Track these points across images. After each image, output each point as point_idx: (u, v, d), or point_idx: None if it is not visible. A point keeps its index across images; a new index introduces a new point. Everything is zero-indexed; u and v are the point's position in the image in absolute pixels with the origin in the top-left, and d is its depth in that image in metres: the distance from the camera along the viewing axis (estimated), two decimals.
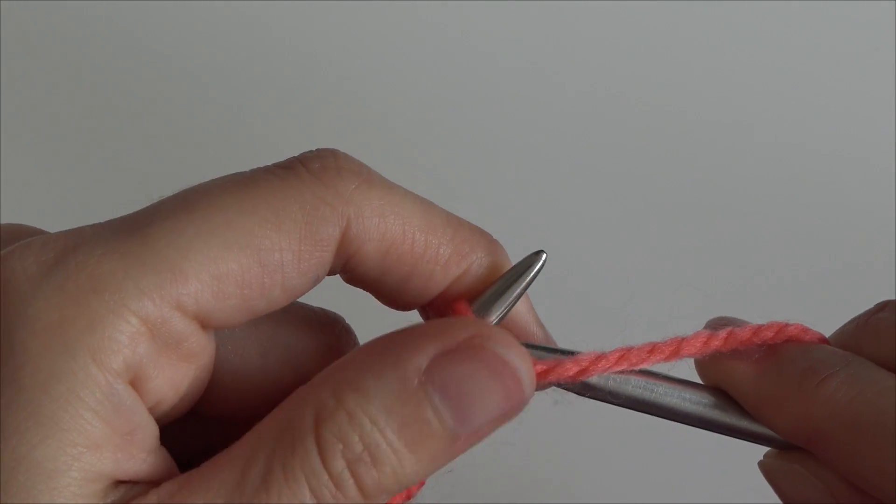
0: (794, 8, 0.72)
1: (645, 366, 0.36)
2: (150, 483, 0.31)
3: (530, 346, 0.36)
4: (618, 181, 0.69)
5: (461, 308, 0.35)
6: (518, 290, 0.35)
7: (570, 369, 0.35)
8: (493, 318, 0.35)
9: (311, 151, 0.34)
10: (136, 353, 0.31)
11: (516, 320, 0.37)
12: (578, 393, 0.37)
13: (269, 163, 0.34)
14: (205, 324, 0.32)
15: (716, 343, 0.38)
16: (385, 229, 0.34)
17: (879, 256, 0.68)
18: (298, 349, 0.36)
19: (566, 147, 0.70)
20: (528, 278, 0.35)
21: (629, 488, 0.62)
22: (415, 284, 0.35)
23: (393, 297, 0.36)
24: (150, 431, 0.32)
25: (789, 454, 0.39)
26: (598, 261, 0.67)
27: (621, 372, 0.36)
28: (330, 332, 0.37)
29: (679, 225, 0.67)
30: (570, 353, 0.36)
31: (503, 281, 0.35)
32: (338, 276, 0.36)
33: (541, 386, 0.35)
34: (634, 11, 0.73)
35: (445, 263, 0.35)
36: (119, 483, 0.31)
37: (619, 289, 0.66)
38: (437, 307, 0.36)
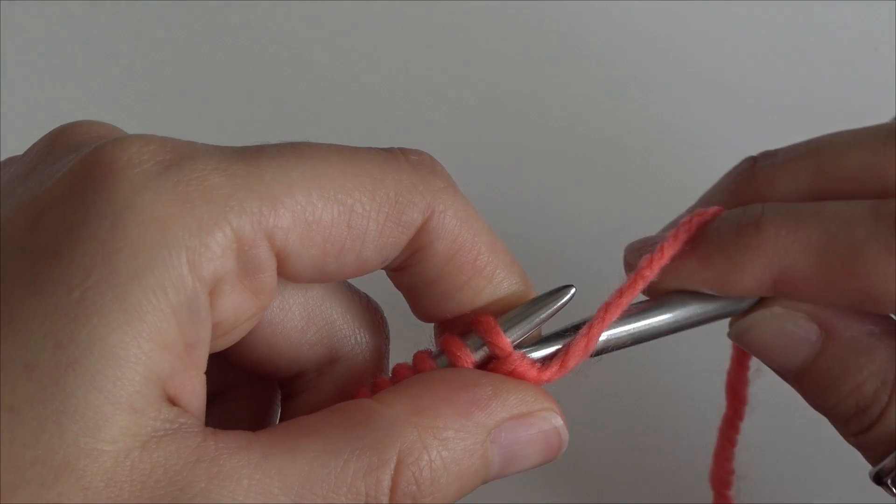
0: (794, 8, 0.72)
1: (625, 308, 0.39)
2: (192, 413, 0.32)
3: (543, 339, 0.38)
4: (617, 181, 0.69)
5: (488, 322, 0.37)
6: (543, 316, 0.37)
7: (579, 352, 0.38)
8: (514, 336, 0.37)
9: (409, 148, 0.36)
10: (223, 267, 0.32)
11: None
12: (600, 353, 0.40)
13: None
14: (280, 265, 0.34)
15: (669, 251, 0.40)
16: (459, 233, 0.36)
17: None
18: (339, 327, 0.38)
19: (563, 145, 0.70)
20: (555, 307, 0.37)
21: (629, 488, 0.62)
22: (463, 296, 0.37)
23: (434, 304, 0.37)
24: (205, 351, 0.33)
25: (758, 306, 0.41)
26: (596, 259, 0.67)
27: (614, 324, 0.39)
28: (370, 319, 0.39)
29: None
30: (569, 333, 0.38)
31: (531, 305, 0.37)
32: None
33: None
34: (634, 12, 0.73)
35: (498, 284, 0.37)
36: (171, 405, 0.32)
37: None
38: (460, 320, 0.38)
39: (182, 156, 0.32)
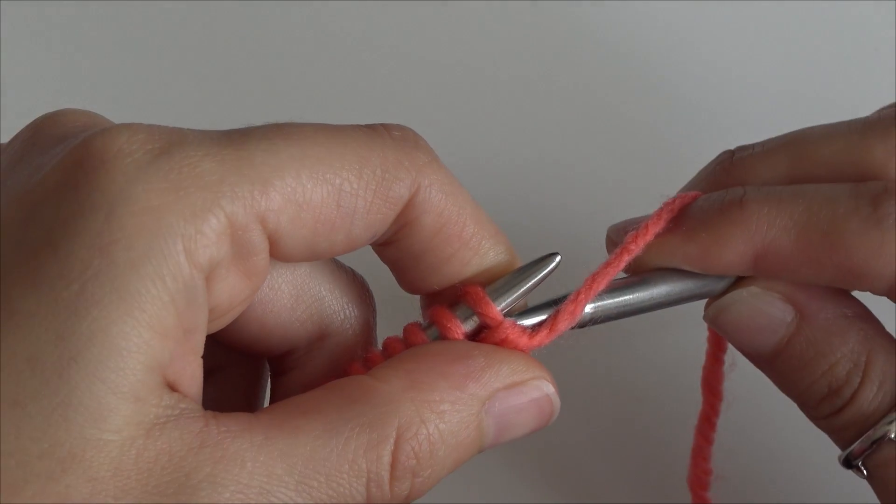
0: (793, 8, 0.72)
1: (611, 278, 0.40)
2: (192, 398, 0.33)
3: (530, 309, 0.39)
4: (617, 181, 0.69)
5: (476, 292, 0.37)
6: (529, 285, 0.38)
7: (567, 317, 0.38)
8: (503, 305, 0.37)
9: (392, 123, 0.36)
10: (219, 253, 0.32)
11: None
12: (587, 325, 0.41)
13: None
14: (273, 247, 0.34)
15: (653, 228, 0.40)
16: (445, 206, 0.36)
17: None
18: (327, 303, 0.38)
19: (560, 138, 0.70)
20: (541, 275, 0.38)
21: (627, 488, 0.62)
22: (450, 268, 0.37)
23: (422, 276, 0.38)
24: (202, 336, 0.33)
25: (735, 287, 0.42)
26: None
27: (599, 297, 0.40)
28: (357, 294, 0.39)
29: None
30: (556, 302, 0.39)
31: (517, 274, 0.38)
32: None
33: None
34: (635, 11, 0.73)
35: (484, 255, 0.37)
36: (171, 391, 0.32)
37: None
38: (448, 291, 0.38)
39: (171, 143, 0.32)
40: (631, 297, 0.41)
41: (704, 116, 0.70)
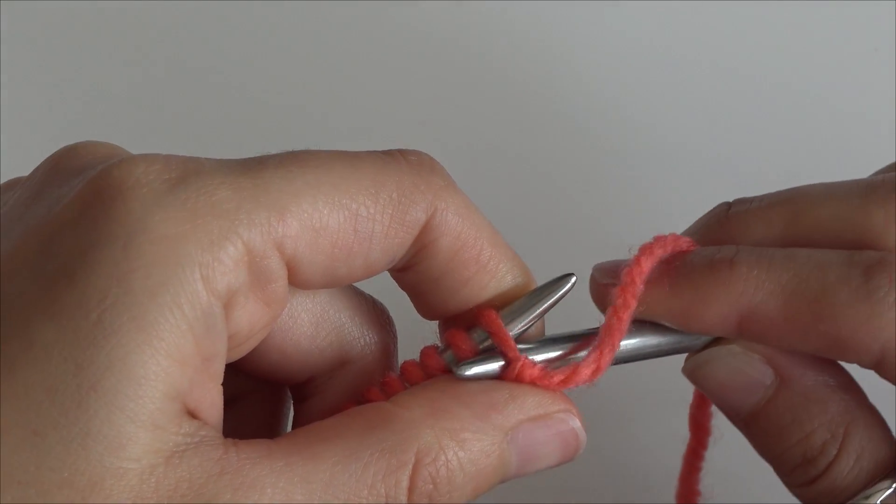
0: (794, 8, 0.72)
1: (627, 325, 0.39)
2: (210, 423, 0.33)
3: (548, 339, 0.39)
4: (616, 182, 0.69)
5: (490, 316, 0.37)
6: (544, 307, 0.38)
7: (585, 374, 0.38)
8: (516, 329, 0.37)
9: (408, 149, 0.37)
10: (237, 280, 0.32)
11: (529, 334, 0.39)
12: None
13: None
14: (291, 273, 0.34)
15: (647, 264, 0.39)
16: (462, 230, 0.36)
17: None
18: (347, 330, 0.38)
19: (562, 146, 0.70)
20: (556, 297, 0.38)
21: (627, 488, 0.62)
22: (467, 292, 0.37)
23: (440, 301, 0.38)
24: (222, 364, 0.33)
25: (716, 344, 0.41)
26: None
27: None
28: (377, 320, 0.39)
29: (679, 224, 0.67)
30: (572, 338, 0.38)
31: (531, 297, 0.38)
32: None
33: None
34: (635, 11, 0.73)
35: (501, 278, 0.37)
36: (192, 418, 0.32)
37: None
38: (464, 315, 0.38)
39: (188, 172, 0.33)
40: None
41: (704, 116, 0.70)
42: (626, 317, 0.38)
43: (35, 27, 0.73)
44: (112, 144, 0.36)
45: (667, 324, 0.40)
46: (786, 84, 0.71)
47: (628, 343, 0.40)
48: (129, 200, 0.32)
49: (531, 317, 0.38)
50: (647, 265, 0.39)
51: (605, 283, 0.40)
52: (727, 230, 0.42)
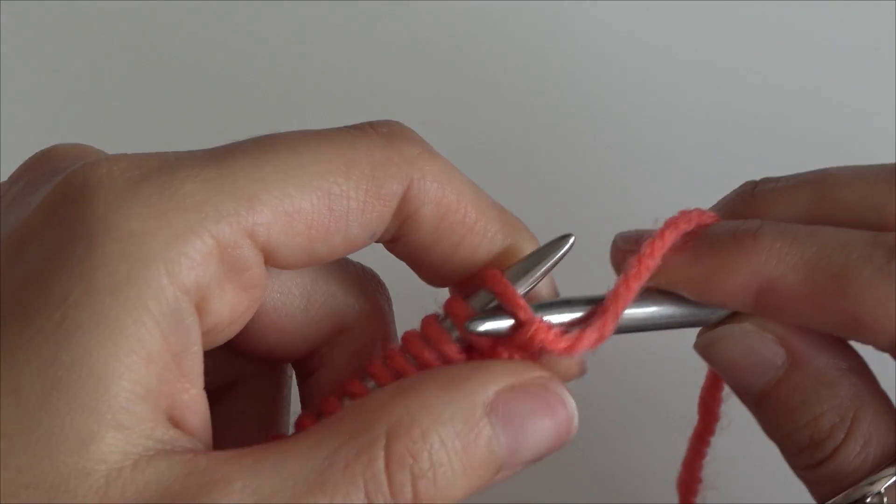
0: (794, 8, 0.72)
1: (635, 293, 0.38)
2: (194, 434, 0.32)
3: (557, 302, 0.38)
4: (617, 183, 0.69)
5: (495, 276, 0.36)
6: (546, 267, 0.37)
7: (590, 338, 0.37)
8: (522, 289, 0.37)
9: (379, 120, 0.36)
10: (207, 273, 0.32)
11: (542, 295, 0.39)
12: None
13: None
14: (269, 258, 0.34)
15: (670, 237, 0.39)
16: (442, 195, 0.36)
17: None
18: (341, 299, 0.38)
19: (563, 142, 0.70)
20: (557, 257, 0.37)
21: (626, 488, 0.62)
22: (461, 256, 0.37)
23: (436, 268, 0.37)
24: (198, 360, 0.33)
25: (731, 321, 0.40)
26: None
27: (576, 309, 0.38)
28: (368, 286, 0.39)
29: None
30: (570, 303, 0.38)
31: (533, 258, 0.37)
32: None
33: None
34: (634, 11, 0.73)
35: (492, 238, 0.37)
36: (170, 427, 0.32)
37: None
38: (470, 283, 0.37)
39: (152, 168, 0.33)
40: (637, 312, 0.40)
41: (703, 116, 0.70)
42: (635, 286, 0.38)
43: (35, 27, 0.73)
44: (85, 146, 0.36)
45: (684, 293, 0.40)
46: (786, 84, 0.71)
47: (642, 311, 0.40)
48: (93, 201, 0.32)
49: (535, 277, 0.37)
50: (670, 239, 0.39)
51: (624, 250, 0.40)
52: (752, 207, 0.42)
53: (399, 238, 0.37)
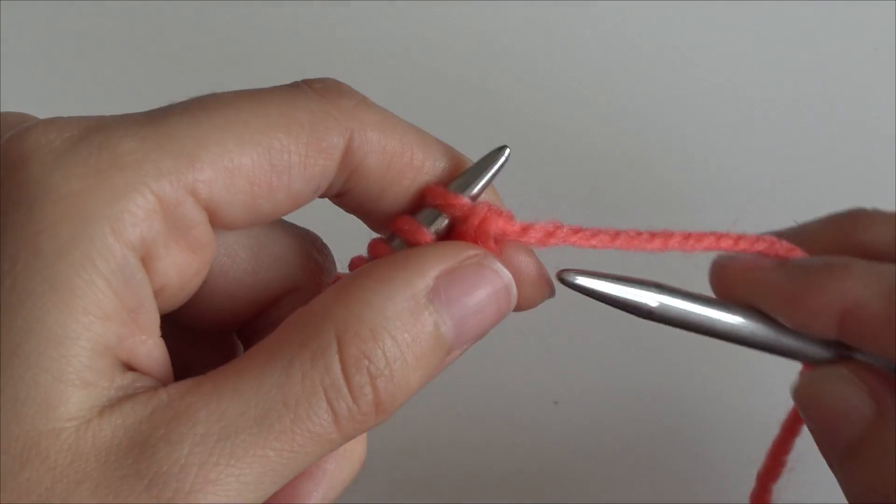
0: (794, 8, 0.72)
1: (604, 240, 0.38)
2: (153, 377, 0.32)
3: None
4: (617, 186, 0.69)
5: (437, 188, 0.36)
6: (488, 177, 0.37)
7: (544, 229, 0.37)
8: (466, 197, 0.37)
9: (314, 78, 0.36)
10: (151, 230, 0.32)
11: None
12: (646, 317, 0.40)
13: None
14: (213, 218, 0.34)
15: (725, 243, 0.40)
16: (385, 143, 0.36)
17: None
18: (286, 259, 0.38)
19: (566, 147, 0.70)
20: (496, 166, 0.37)
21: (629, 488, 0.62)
22: (412, 198, 0.37)
23: (388, 212, 0.37)
24: (153, 314, 0.33)
25: (825, 365, 0.41)
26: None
27: (668, 293, 0.40)
28: (312, 247, 0.39)
29: (678, 223, 0.67)
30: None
31: (471, 171, 0.37)
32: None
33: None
34: (634, 11, 0.73)
35: (440, 175, 0.37)
36: (126, 370, 0.32)
37: None
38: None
39: (89, 129, 0.32)
40: (701, 311, 0.41)
41: (702, 116, 0.70)
42: (618, 235, 0.38)
43: (35, 27, 0.73)
44: (24, 114, 0.36)
45: (771, 308, 0.41)
46: (786, 84, 0.71)
47: (728, 319, 0.41)
48: (30, 164, 0.31)
49: (477, 187, 0.37)
50: (741, 245, 0.41)
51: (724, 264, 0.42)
52: (850, 234, 0.43)
53: (347, 191, 0.37)
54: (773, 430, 0.48)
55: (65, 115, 0.33)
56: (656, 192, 0.68)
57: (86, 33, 0.73)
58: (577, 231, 0.37)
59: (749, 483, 0.48)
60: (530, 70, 0.72)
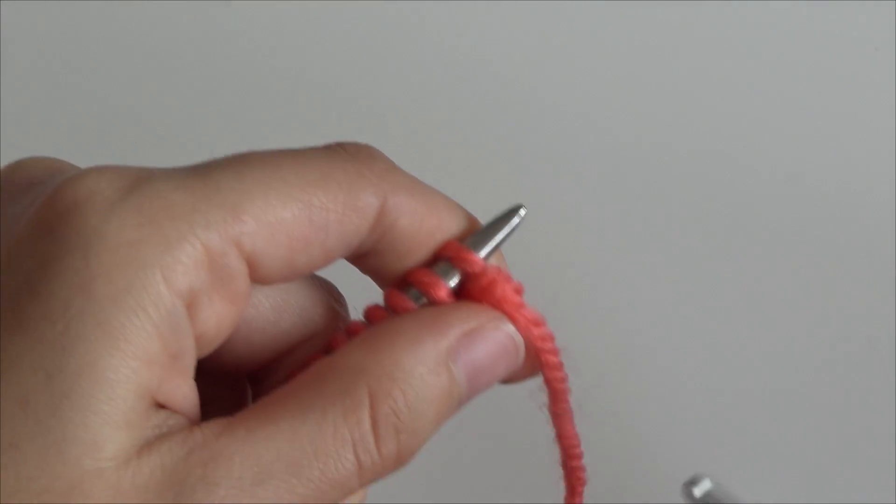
0: (794, 8, 0.72)
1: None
2: (183, 415, 0.34)
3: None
4: (617, 187, 0.69)
5: (452, 243, 0.38)
6: (502, 236, 0.38)
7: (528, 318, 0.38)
8: (481, 256, 0.38)
9: (347, 141, 0.37)
10: (198, 279, 0.33)
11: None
12: None
13: None
14: (252, 270, 0.35)
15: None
16: (416, 206, 0.37)
17: (878, 254, 0.68)
18: (308, 310, 0.39)
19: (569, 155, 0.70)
20: (511, 226, 0.39)
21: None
22: (430, 257, 0.38)
23: (403, 273, 0.38)
24: (192, 360, 0.34)
25: None
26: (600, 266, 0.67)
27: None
28: (331, 296, 0.40)
29: (675, 226, 0.67)
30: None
31: (488, 228, 0.39)
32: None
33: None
34: (633, 11, 0.73)
35: (458, 235, 0.38)
36: (159, 409, 0.33)
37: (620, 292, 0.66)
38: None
39: (139, 179, 0.33)
40: None
41: (702, 116, 0.70)
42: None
43: (35, 27, 0.73)
44: (56, 158, 0.37)
45: None
46: (785, 84, 0.71)
47: None
48: (85, 211, 0.32)
49: (491, 246, 0.38)
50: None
51: None
52: None
53: (373, 252, 0.38)
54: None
55: (114, 165, 0.34)
56: (654, 194, 0.68)
57: (86, 33, 0.73)
58: (549, 341, 0.39)
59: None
60: (523, 71, 0.72)
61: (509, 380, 0.39)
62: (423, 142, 0.70)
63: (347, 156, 0.36)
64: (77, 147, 0.68)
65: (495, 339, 0.37)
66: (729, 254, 0.69)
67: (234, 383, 0.41)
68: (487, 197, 0.68)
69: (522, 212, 0.39)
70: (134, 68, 0.72)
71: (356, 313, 0.39)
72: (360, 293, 0.40)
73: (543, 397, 0.40)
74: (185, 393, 0.34)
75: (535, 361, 0.40)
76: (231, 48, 0.73)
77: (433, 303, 0.38)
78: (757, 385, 0.68)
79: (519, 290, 0.38)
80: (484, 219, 0.40)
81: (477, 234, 0.38)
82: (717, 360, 0.67)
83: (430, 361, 0.35)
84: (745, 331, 0.69)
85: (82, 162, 0.35)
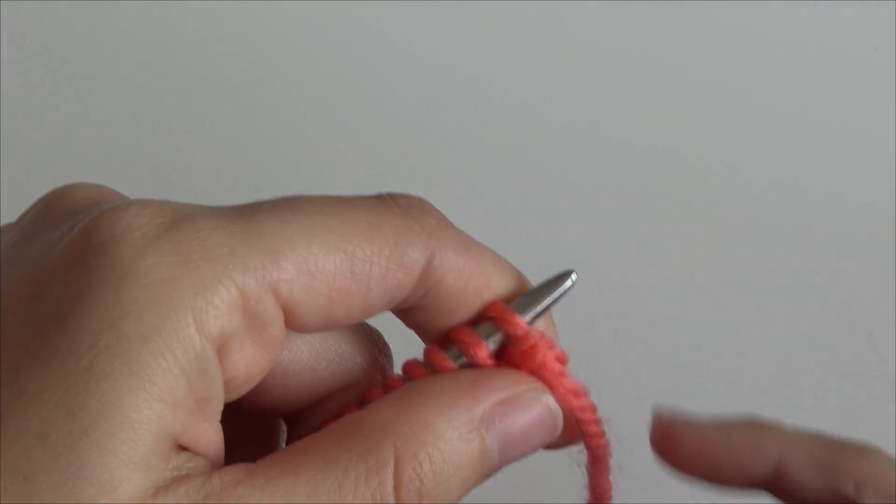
0: (794, 8, 0.72)
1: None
2: (205, 458, 0.33)
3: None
4: (618, 188, 0.69)
5: (497, 304, 0.37)
6: (549, 300, 0.37)
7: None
8: (525, 319, 0.37)
9: (397, 193, 0.36)
10: (231, 324, 0.32)
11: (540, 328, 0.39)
12: None
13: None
14: (288, 318, 0.34)
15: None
16: (464, 263, 0.36)
17: (878, 254, 0.68)
18: (347, 358, 0.38)
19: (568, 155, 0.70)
20: (559, 291, 0.38)
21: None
22: (475, 316, 0.37)
23: (447, 330, 0.37)
24: (219, 405, 0.33)
25: None
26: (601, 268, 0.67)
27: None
28: (373, 345, 0.39)
29: (676, 226, 0.67)
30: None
31: (536, 292, 0.37)
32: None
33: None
34: (633, 11, 0.73)
35: (506, 295, 0.37)
36: (181, 450, 0.32)
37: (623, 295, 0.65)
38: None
39: (180, 217, 0.33)
40: None
41: (702, 116, 0.70)
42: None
43: (35, 27, 0.73)
44: (103, 186, 0.36)
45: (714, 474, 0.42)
46: (785, 84, 0.71)
47: None
48: (121, 245, 0.32)
49: (537, 309, 0.37)
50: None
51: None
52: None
53: (419, 307, 0.37)
54: None
55: (155, 199, 0.34)
56: (652, 194, 0.68)
57: (86, 33, 0.73)
58: (591, 412, 0.38)
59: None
60: (534, 70, 0.72)
61: (549, 447, 0.38)
62: (426, 142, 0.70)
63: (398, 208, 0.36)
64: (86, 154, 0.67)
65: (532, 409, 0.36)
66: (730, 258, 0.69)
67: (268, 421, 0.40)
68: (489, 197, 0.68)
69: (574, 276, 0.38)
70: (134, 68, 0.72)
71: (403, 364, 0.38)
72: (411, 343, 0.39)
73: (583, 457, 0.39)
74: (209, 437, 0.33)
75: (575, 430, 0.38)
76: (231, 48, 0.73)
77: (473, 363, 0.37)
78: (761, 400, 0.68)
79: (562, 360, 0.37)
80: (532, 273, 0.39)
81: (524, 296, 0.37)
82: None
83: (462, 427, 0.34)
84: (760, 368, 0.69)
85: (93, 173, 0.35)
